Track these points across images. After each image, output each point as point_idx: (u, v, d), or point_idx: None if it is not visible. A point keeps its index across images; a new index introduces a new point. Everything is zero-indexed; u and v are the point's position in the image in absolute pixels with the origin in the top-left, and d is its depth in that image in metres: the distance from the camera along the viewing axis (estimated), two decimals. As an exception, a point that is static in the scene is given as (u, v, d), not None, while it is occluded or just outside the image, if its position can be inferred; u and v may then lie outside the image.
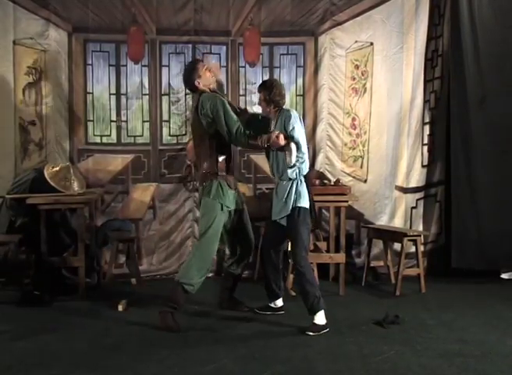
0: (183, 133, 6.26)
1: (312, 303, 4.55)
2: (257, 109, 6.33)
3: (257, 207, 6.08)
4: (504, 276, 6.22)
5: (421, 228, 6.39)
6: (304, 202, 4.66)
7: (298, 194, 4.65)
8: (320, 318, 4.54)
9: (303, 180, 4.71)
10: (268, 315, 5.00)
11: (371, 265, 6.09)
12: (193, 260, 4.68)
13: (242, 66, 6.34)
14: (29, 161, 6.09)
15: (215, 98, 4.65)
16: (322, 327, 4.53)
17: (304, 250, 4.65)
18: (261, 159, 6.31)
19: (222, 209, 4.69)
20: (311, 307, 4.57)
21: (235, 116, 4.64)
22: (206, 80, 4.75)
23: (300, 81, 6.41)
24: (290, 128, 4.60)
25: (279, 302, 5.05)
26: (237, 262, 5.06)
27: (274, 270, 4.95)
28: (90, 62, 6.18)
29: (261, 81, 6.27)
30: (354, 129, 6.41)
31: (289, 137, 4.59)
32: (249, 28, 6.27)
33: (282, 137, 4.54)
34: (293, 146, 4.56)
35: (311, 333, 4.48)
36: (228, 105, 4.67)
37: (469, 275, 6.02)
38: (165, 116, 6.28)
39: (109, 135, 6.26)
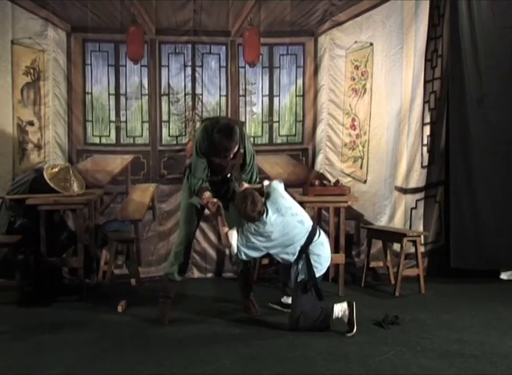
0: (183, 133, 6.26)
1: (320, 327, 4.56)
2: (256, 110, 6.37)
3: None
4: (504, 276, 6.22)
5: (420, 229, 6.39)
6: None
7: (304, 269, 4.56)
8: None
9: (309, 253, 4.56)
10: (268, 315, 5.00)
11: (371, 265, 6.09)
12: (172, 248, 5.00)
13: (242, 67, 6.32)
14: (27, 161, 6.07)
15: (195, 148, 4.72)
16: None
17: (302, 305, 4.56)
18: (261, 160, 6.31)
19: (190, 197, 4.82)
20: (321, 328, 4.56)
21: (199, 172, 4.66)
22: None
23: (299, 82, 6.41)
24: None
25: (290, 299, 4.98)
26: (235, 259, 5.16)
27: (286, 268, 4.87)
28: (89, 62, 6.16)
29: (261, 81, 6.31)
30: (354, 129, 6.41)
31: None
32: (248, 28, 6.26)
33: (215, 205, 4.55)
34: (231, 233, 4.50)
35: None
36: (201, 161, 4.67)
37: (469, 275, 6.03)
38: (165, 117, 6.27)
39: (108, 136, 6.24)
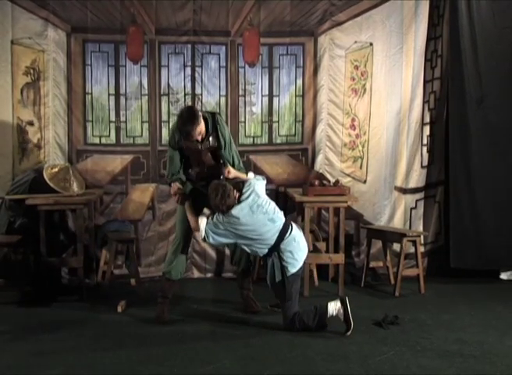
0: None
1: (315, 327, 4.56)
2: (255, 110, 6.37)
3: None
4: (503, 276, 6.22)
5: (420, 229, 6.38)
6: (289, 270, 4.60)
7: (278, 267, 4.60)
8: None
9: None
10: (268, 315, 5.01)
11: (371, 265, 6.08)
12: (169, 248, 5.10)
13: (241, 67, 6.32)
14: (27, 161, 6.07)
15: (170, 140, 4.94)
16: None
17: (293, 306, 4.59)
18: (261, 160, 6.32)
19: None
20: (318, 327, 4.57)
21: (172, 167, 4.91)
22: None
23: (299, 82, 6.40)
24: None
25: None
26: (236, 260, 5.15)
27: None
28: (89, 63, 6.16)
29: (260, 82, 6.32)
30: (354, 129, 6.41)
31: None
32: (248, 28, 6.26)
33: (176, 195, 4.83)
34: (201, 218, 4.63)
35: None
36: (174, 154, 4.89)
37: (468, 275, 6.02)
38: (165, 117, 6.27)
39: (108, 136, 6.25)
